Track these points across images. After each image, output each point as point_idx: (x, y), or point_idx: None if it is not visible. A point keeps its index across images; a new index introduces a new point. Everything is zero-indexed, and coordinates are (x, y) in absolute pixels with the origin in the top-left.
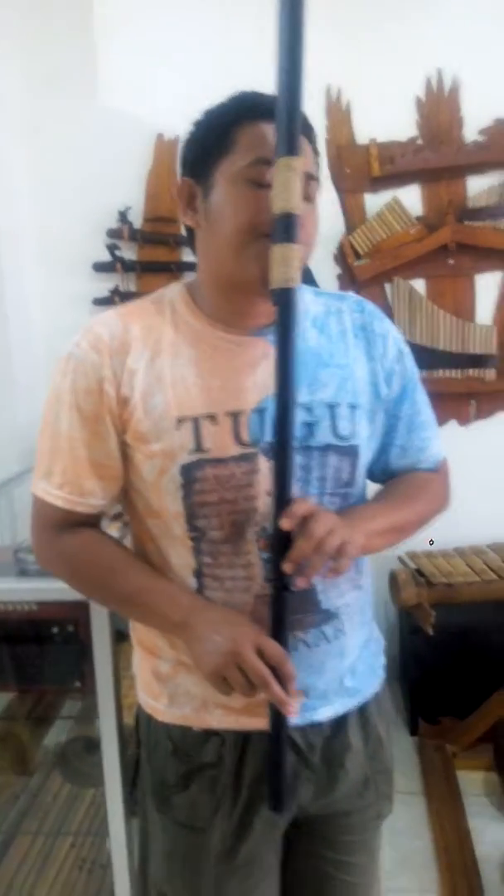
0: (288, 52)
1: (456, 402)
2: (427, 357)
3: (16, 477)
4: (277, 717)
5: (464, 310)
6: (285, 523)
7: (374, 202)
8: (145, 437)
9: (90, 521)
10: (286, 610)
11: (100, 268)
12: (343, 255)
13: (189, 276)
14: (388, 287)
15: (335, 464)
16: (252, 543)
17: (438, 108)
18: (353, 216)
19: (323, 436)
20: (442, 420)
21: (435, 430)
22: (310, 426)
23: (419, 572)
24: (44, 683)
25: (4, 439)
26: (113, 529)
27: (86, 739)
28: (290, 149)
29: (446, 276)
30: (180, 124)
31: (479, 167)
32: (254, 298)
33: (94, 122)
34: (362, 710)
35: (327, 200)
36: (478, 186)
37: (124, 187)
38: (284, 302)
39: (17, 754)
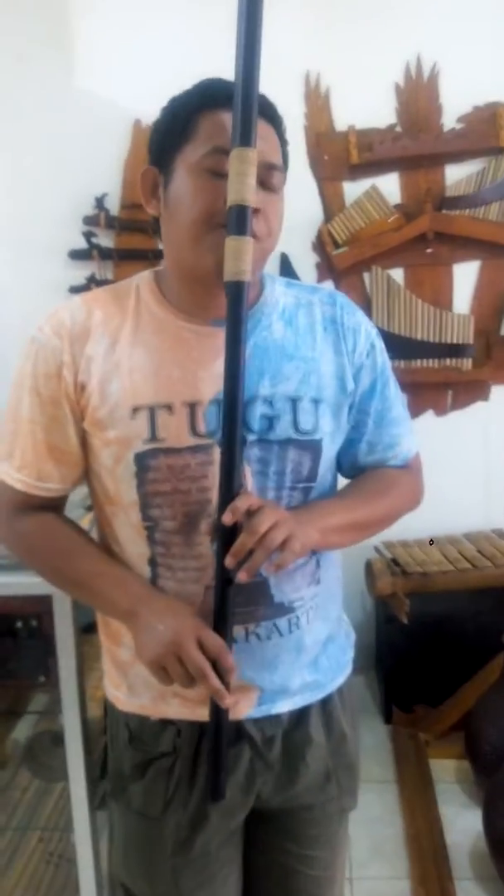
0: (245, 41)
1: (433, 392)
2: (405, 347)
3: None
4: (217, 709)
5: (442, 299)
6: (227, 517)
7: (353, 190)
8: (102, 424)
9: (51, 505)
10: (228, 603)
11: (76, 255)
12: (321, 244)
13: None
14: (366, 276)
15: (295, 458)
16: (204, 535)
17: (417, 94)
18: (332, 204)
19: (283, 430)
20: (419, 410)
21: (407, 426)
22: (270, 419)
23: (395, 561)
24: (8, 678)
25: None
26: (85, 522)
27: (52, 734)
28: (244, 139)
29: (424, 265)
30: (158, 110)
31: (458, 155)
32: (214, 290)
33: (70, 107)
34: (325, 704)
35: (306, 188)
36: (456, 175)
37: (101, 174)
38: (235, 295)
39: None
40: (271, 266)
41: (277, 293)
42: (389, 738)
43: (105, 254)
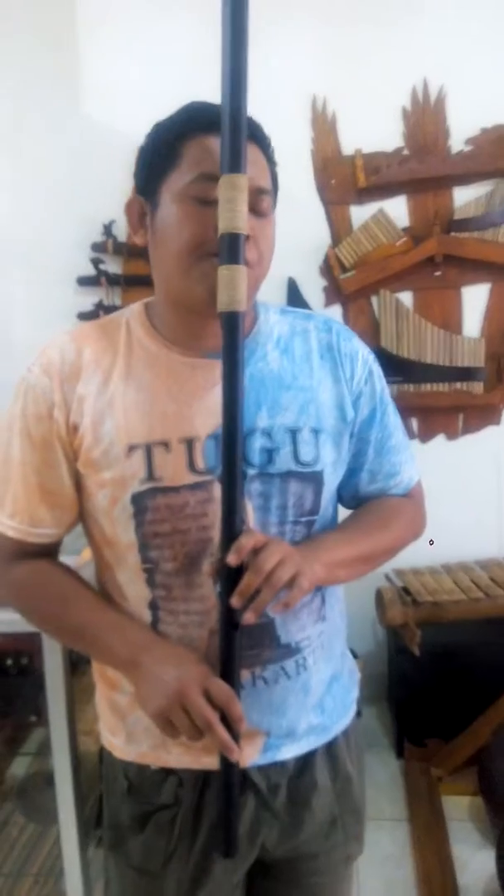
0: (231, 64)
1: (444, 416)
2: (414, 370)
3: None
4: (226, 761)
5: (451, 322)
6: (232, 558)
7: (360, 214)
8: (96, 464)
9: (45, 552)
10: (235, 647)
11: (84, 282)
12: (329, 268)
13: None
14: (374, 300)
15: (297, 491)
16: (207, 576)
17: (424, 117)
18: (339, 228)
19: (284, 462)
20: (430, 434)
21: (407, 453)
22: (269, 452)
23: (405, 590)
24: None
25: None
26: (85, 556)
27: (46, 774)
28: (234, 166)
29: (433, 288)
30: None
31: (466, 178)
32: (206, 319)
33: (77, 133)
34: (330, 747)
35: (313, 212)
36: (464, 197)
37: (108, 200)
38: (230, 326)
39: None
40: (278, 291)
41: (272, 321)
42: (401, 773)
43: (113, 280)
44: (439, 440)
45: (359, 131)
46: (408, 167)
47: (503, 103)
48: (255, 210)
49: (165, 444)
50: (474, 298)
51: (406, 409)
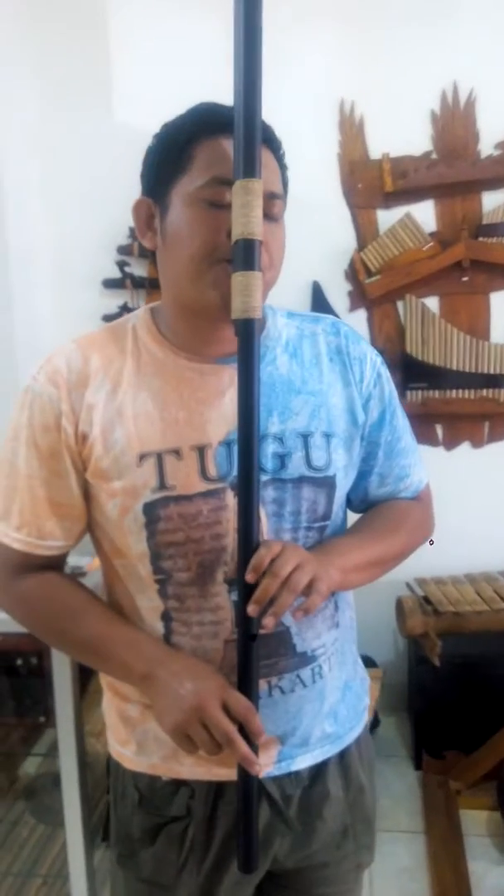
0: (244, 68)
1: (469, 424)
2: (440, 377)
3: None
4: (245, 776)
5: (478, 328)
6: (250, 577)
7: (387, 218)
8: (106, 474)
9: (52, 564)
10: (253, 658)
11: (109, 284)
12: (354, 272)
13: None
14: (400, 305)
15: (310, 496)
16: (221, 585)
17: (453, 121)
18: (365, 232)
19: (296, 467)
20: (455, 442)
21: (416, 456)
22: (282, 458)
23: (426, 599)
24: (7, 716)
25: None
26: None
27: (55, 775)
28: (249, 170)
29: (460, 293)
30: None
31: (495, 182)
32: (217, 325)
33: (105, 138)
34: (343, 756)
35: (339, 216)
36: (493, 202)
37: None
38: (246, 333)
39: None
40: (302, 295)
41: (280, 325)
42: (419, 784)
43: (138, 283)
44: (464, 448)
45: (386, 135)
46: (436, 171)
47: None
48: (267, 215)
49: (177, 452)
50: (502, 304)
51: (431, 416)
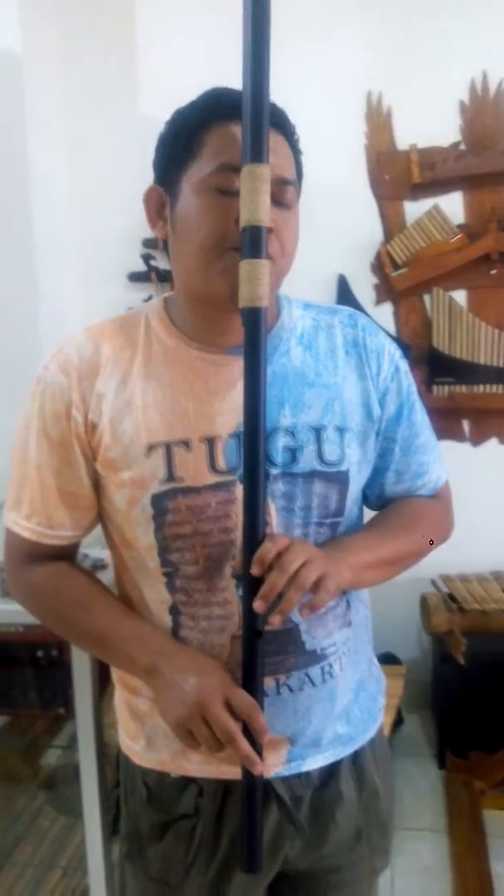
0: (253, 49)
1: (498, 419)
2: (467, 371)
3: None
4: (250, 775)
5: None
6: (255, 570)
7: (414, 210)
8: (115, 464)
9: (62, 554)
10: (258, 654)
11: (135, 277)
12: (380, 265)
13: None
14: (427, 298)
15: (321, 491)
16: (229, 580)
17: (483, 111)
18: (392, 224)
19: (307, 461)
20: (482, 437)
21: (435, 453)
22: (293, 451)
23: (451, 597)
24: (28, 707)
25: None
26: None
27: (75, 767)
28: (256, 155)
29: (488, 286)
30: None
31: None
32: (227, 315)
33: (132, 131)
34: (356, 758)
35: (365, 208)
36: None
37: None
38: (252, 322)
39: (5, 782)
40: (328, 288)
41: (295, 316)
42: (442, 784)
43: (163, 276)
44: (492, 444)
45: (414, 126)
46: (464, 162)
47: None
48: (278, 201)
49: (186, 444)
50: None
51: (458, 410)
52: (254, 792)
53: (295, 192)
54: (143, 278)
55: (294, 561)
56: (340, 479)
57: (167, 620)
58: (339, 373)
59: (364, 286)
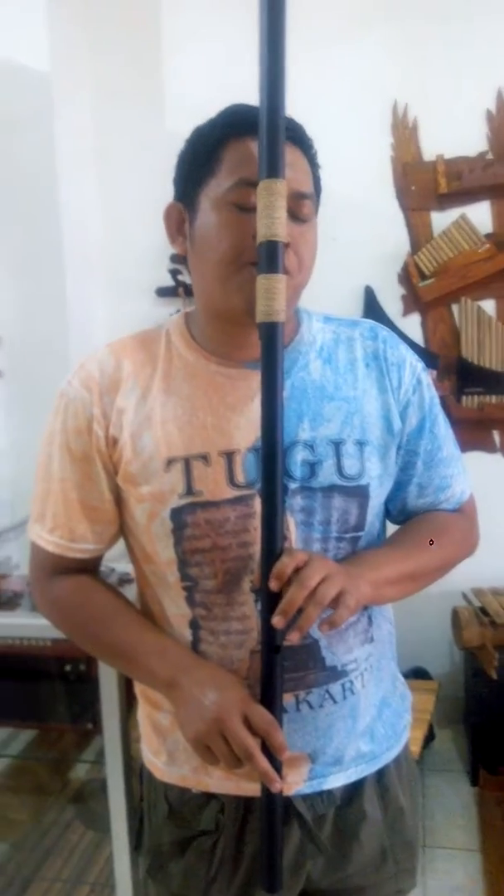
0: (269, 63)
1: None
2: (497, 382)
3: None
4: (268, 791)
5: None
6: (273, 584)
7: (441, 220)
8: (135, 479)
9: (85, 567)
10: (277, 670)
11: (162, 292)
12: (407, 276)
13: None
14: (455, 308)
15: (341, 506)
16: (248, 594)
17: None
18: (419, 235)
19: (326, 476)
20: None
21: (459, 467)
22: (312, 465)
23: (483, 610)
24: (57, 721)
25: None
26: None
27: (102, 782)
28: (272, 170)
29: None
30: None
31: None
32: (245, 329)
33: (161, 148)
34: (381, 777)
35: (392, 219)
36: None
37: None
38: (269, 337)
39: (34, 795)
40: (355, 299)
41: (315, 329)
42: (475, 801)
43: (190, 291)
44: None
45: (441, 136)
46: (491, 171)
47: None
48: (296, 215)
49: (205, 458)
50: None
51: (488, 421)
52: (273, 810)
53: (313, 206)
54: (171, 293)
55: (313, 576)
56: (360, 494)
57: (187, 634)
58: (358, 386)
59: (391, 297)
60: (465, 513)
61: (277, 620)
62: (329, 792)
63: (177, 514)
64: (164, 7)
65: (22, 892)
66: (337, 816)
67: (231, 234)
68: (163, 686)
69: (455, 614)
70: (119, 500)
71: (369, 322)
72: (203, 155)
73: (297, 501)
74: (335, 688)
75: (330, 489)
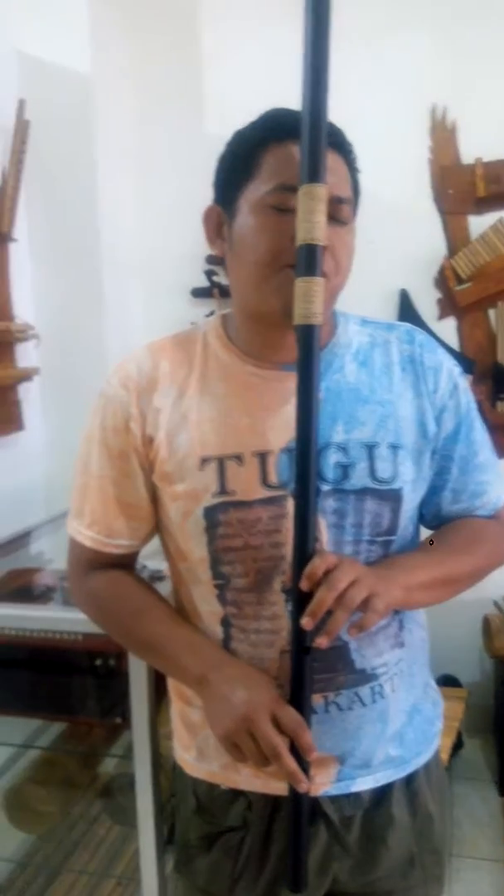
0: (312, 69)
1: None
2: None
3: None
4: (296, 792)
5: None
6: (304, 584)
7: (479, 224)
8: (170, 477)
9: (121, 563)
10: (306, 671)
11: (198, 293)
12: (444, 280)
13: None
14: (491, 313)
15: (373, 509)
16: (279, 594)
17: None
18: (456, 239)
19: (359, 478)
20: None
21: (495, 472)
22: (345, 468)
23: None
24: (86, 715)
25: None
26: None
27: (130, 777)
28: (313, 175)
29: None
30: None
31: None
32: (282, 331)
33: (198, 149)
34: (409, 782)
35: (428, 223)
36: None
37: None
38: (306, 339)
39: (63, 788)
40: (389, 303)
41: (351, 332)
42: (502, 811)
43: (225, 292)
44: None
45: (479, 139)
46: None
47: None
48: (334, 219)
49: (238, 458)
50: None
51: None
52: (300, 810)
53: (351, 210)
54: (206, 294)
55: (342, 579)
56: (393, 497)
57: (219, 632)
58: (394, 390)
59: (427, 301)
60: (500, 519)
61: (306, 622)
62: (357, 794)
63: (210, 512)
64: (204, 10)
65: (49, 883)
66: (364, 819)
67: (269, 237)
68: (193, 682)
69: (486, 622)
70: (155, 497)
71: (406, 325)
72: (243, 159)
73: (329, 503)
74: (364, 690)
75: (362, 492)
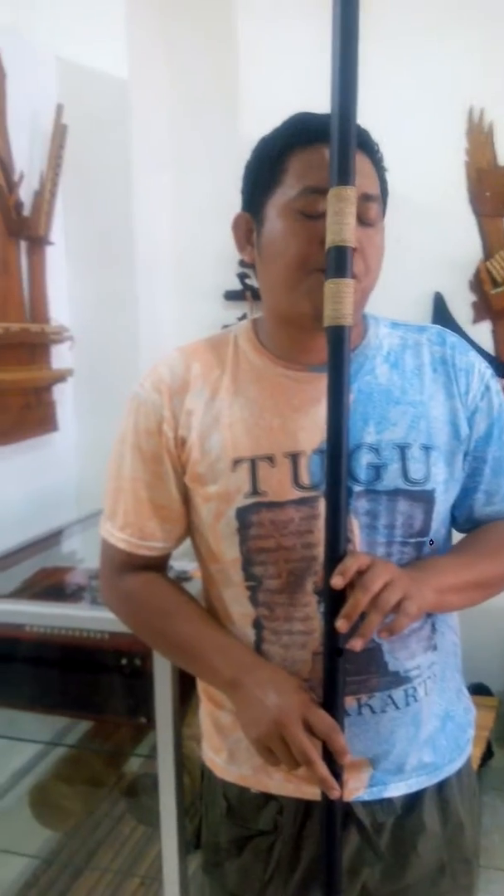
0: (341, 72)
1: None
2: None
3: None
4: (328, 798)
5: None
6: (336, 581)
7: None
8: (202, 478)
9: (153, 564)
10: (339, 674)
11: (230, 296)
12: (479, 282)
13: None
14: None
15: (406, 510)
16: (311, 596)
17: None
18: (492, 241)
19: (391, 479)
20: None
21: None
22: (377, 469)
23: None
24: (112, 714)
25: None
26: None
27: (154, 777)
28: (342, 178)
29: None
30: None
31: None
32: (312, 334)
33: (234, 152)
34: (441, 789)
35: (464, 225)
36: None
37: None
38: (336, 341)
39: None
40: (424, 306)
41: (381, 334)
42: None
43: (257, 294)
44: None
45: None
46: None
47: None
48: (362, 219)
49: (270, 459)
50: None
51: None
52: (333, 816)
53: (379, 210)
54: (239, 297)
55: (376, 580)
56: (426, 498)
57: (250, 634)
58: (425, 391)
59: (461, 304)
60: None
61: (341, 624)
62: (389, 800)
63: (242, 513)
64: (239, 15)
65: (73, 881)
66: (396, 826)
67: (298, 241)
68: (224, 684)
69: None
70: (187, 499)
71: (437, 327)
72: (268, 165)
73: (361, 504)
74: (398, 693)
75: (395, 493)
